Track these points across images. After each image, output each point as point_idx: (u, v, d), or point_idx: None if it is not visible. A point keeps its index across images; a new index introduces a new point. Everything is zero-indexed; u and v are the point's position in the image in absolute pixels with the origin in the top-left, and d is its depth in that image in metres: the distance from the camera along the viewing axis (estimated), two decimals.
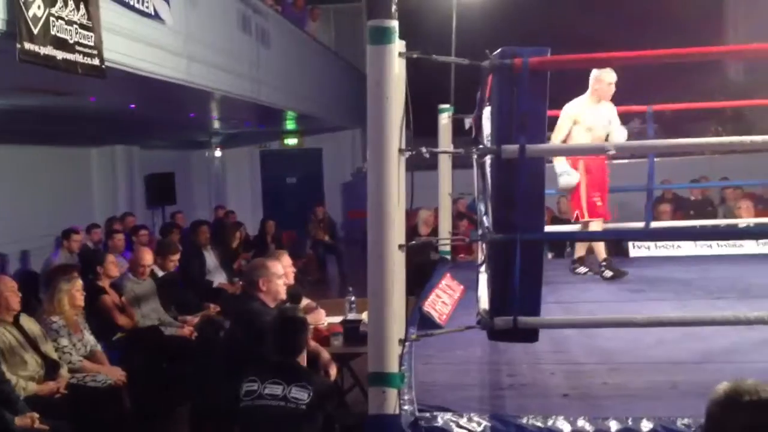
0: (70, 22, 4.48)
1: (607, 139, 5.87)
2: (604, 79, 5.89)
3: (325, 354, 4.47)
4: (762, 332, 3.93)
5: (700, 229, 7.25)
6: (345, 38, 15.58)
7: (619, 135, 5.95)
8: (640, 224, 6.60)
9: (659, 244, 6.95)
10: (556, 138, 5.85)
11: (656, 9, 14.58)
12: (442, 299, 5.24)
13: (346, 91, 13.71)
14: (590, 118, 5.92)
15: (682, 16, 14.47)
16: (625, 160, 10.36)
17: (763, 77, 14.69)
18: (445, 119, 6.84)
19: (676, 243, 6.90)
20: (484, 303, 3.41)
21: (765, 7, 15.67)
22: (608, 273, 6.07)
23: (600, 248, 6.20)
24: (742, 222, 7.80)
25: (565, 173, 5.88)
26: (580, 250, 6.42)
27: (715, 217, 10.13)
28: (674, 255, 6.88)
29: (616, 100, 6.15)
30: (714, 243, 6.80)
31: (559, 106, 5.82)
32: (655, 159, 6.83)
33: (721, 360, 3.78)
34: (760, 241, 6.73)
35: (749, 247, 6.75)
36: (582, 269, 6.29)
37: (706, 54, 4.78)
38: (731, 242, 6.79)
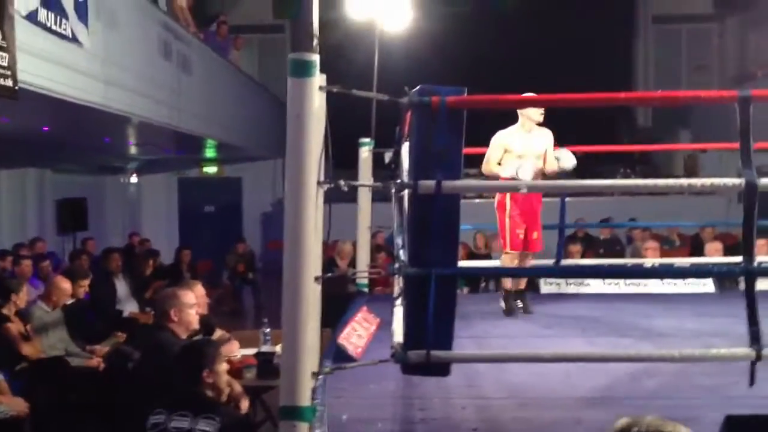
0: None
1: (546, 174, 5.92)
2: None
3: (237, 386, 4.40)
4: (664, 369, 4.08)
5: (608, 268, 7.48)
6: (269, 68, 15.56)
7: (564, 160, 5.92)
8: (552, 261, 6.79)
9: (569, 281, 7.14)
10: (492, 165, 5.88)
11: (570, 54, 15.17)
12: (357, 332, 5.23)
13: (268, 120, 13.66)
14: (520, 146, 5.90)
15: (593, 61, 15.12)
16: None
17: (669, 123, 15.45)
18: (365, 153, 6.90)
19: (585, 281, 7.10)
20: (398, 336, 3.42)
21: (673, 57, 16.57)
22: (502, 304, 6.17)
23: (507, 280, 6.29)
24: (648, 262, 8.09)
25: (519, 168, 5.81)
26: (522, 283, 6.39)
27: (623, 256, 10.49)
28: (583, 292, 7.07)
29: None
30: (621, 281, 7.02)
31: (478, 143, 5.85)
32: (567, 199, 7.05)
33: (625, 396, 3.89)
34: (665, 280, 7.00)
35: (654, 286, 7.00)
36: (518, 303, 6.26)
37: (615, 99, 5.02)
38: (637, 281, 7.03)
